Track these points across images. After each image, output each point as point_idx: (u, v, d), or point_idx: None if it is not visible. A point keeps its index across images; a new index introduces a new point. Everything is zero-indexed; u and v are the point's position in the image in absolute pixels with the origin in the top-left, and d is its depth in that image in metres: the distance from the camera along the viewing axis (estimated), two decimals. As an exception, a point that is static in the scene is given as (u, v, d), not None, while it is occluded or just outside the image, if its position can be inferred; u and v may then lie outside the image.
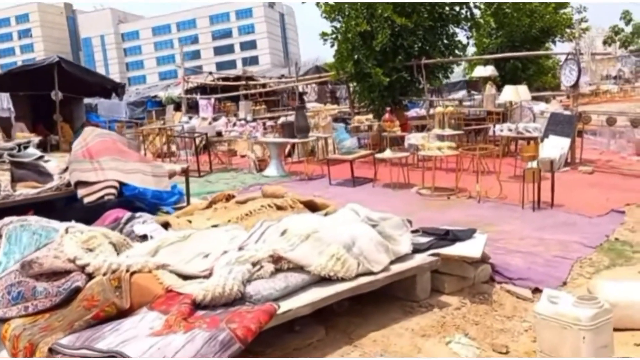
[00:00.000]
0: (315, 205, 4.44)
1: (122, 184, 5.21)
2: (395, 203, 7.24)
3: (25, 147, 5.07)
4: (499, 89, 12.23)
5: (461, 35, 12.45)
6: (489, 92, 11.05)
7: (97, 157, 5.42)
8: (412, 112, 16.46)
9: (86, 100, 20.80)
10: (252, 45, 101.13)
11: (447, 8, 11.85)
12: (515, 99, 8.10)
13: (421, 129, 11.25)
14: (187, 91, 19.91)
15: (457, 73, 28.70)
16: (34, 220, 3.88)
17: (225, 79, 20.62)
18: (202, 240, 3.53)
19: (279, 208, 4.23)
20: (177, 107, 19.49)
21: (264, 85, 19.59)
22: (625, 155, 9.97)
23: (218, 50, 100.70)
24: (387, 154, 8.14)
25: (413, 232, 4.36)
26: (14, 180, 4.79)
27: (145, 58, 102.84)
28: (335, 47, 11.69)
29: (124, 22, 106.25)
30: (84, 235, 3.47)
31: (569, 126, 9.37)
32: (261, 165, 10.04)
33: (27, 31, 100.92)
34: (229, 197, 5.03)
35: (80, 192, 4.77)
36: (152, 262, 3.14)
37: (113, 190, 4.80)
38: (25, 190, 4.70)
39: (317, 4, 11.44)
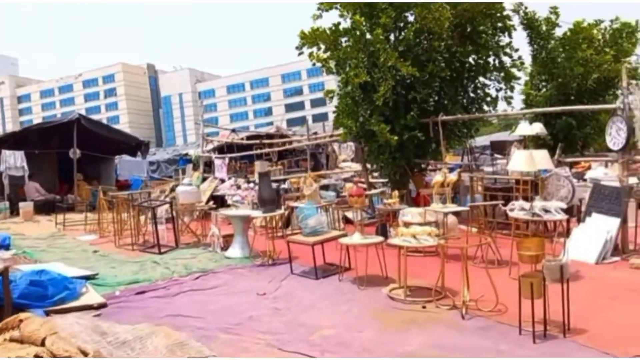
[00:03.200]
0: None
1: None
2: (349, 310, 5.27)
3: None
4: (552, 150, 9.98)
5: (493, 89, 10.40)
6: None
7: None
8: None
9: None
10: (322, 102, 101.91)
11: (472, 56, 9.92)
12: (529, 168, 5.98)
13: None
14: (215, 149, 18.86)
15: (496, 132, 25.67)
16: None
17: (254, 137, 19.35)
18: None
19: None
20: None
21: (289, 143, 18.12)
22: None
23: (289, 107, 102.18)
24: (356, 238, 6.17)
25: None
26: None
27: (220, 115, 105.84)
28: (335, 102, 9.96)
29: (201, 81, 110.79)
30: None
31: (617, 202, 7.06)
32: (229, 241, 8.31)
33: (112, 90, 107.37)
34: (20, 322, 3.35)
35: None
36: None
37: None
38: None
39: (310, 55, 9.77)
